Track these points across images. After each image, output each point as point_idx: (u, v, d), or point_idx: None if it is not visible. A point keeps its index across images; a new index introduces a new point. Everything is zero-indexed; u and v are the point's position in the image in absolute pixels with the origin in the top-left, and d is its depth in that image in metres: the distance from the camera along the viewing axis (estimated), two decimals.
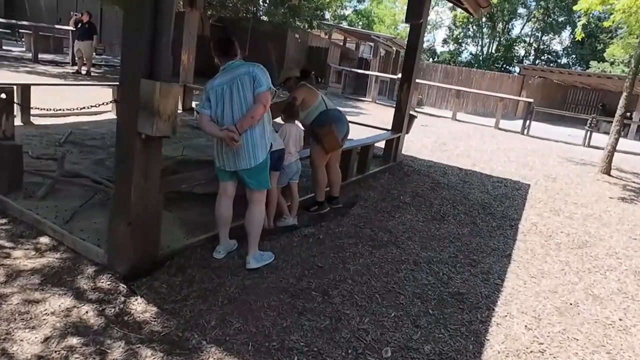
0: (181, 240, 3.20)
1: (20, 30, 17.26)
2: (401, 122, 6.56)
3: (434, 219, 4.53)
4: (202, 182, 3.17)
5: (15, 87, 6.20)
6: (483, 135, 11.54)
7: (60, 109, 5.38)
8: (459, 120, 13.98)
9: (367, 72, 17.44)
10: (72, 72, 11.83)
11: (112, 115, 7.19)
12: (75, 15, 13.05)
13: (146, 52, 2.42)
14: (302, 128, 3.81)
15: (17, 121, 6.00)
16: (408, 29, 6.95)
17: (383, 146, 6.60)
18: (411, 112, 6.70)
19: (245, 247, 3.08)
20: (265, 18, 15.24)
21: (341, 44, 21.01)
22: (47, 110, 5.41)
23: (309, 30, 17.22)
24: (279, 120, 3.88)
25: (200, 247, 3.18)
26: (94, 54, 18.29)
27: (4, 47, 14.64)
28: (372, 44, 19.53)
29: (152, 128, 2.41)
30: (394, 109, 6.78)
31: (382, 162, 6.48)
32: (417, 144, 8.68)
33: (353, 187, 5.22)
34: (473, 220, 4.66)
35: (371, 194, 5.08)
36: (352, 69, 18.11)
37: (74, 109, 5.20)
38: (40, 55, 14.06)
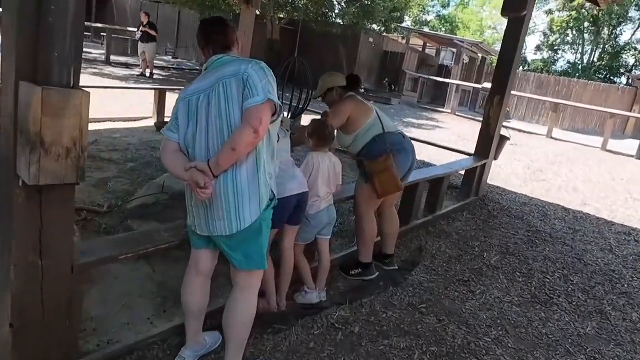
0: (142, 326, 2.11)
1: (102, 34, 17.87)
2: (489, 145, 5.05)
3: (535, 299, 3.05)
4: (167, 246, 2.03)
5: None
6: (588, 158, 9.45)
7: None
8: (556, 139, 11.83)
9: (447, 81, 15.71)
10: (137, 75, 11.61)
11: (151, 122, 6.46)
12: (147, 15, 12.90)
13: (28, 35, 1.34)
14: (337, 161, 2.58)
15: None
16: (495, 34, 5.37)
17: (462, 172, 5.14)
18: (502, 133, 5.17)
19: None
20: (337, 20, 14.19)
21: (420, 49, 19.39)
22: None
23: (385, 34, 15.89)
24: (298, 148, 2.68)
25: (164, 343, 2.06)
26: (172, 58, 18.61)
27: (84, 50, 15.02)
28: (454, 49, 17.72)
29: (28, 170, 1.33)
30: (475, 122, 5.37)
31: (460, 195, 5.02)
32: (506, 170, 7.02)
33: (417, 234, 3.87)
34: (599, 305, 3.10)
35: (442, 247, 3.69)
36: (431, 77, 16.46)
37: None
38: (114, 58, 14.20)
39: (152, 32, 11.38)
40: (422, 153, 7.04)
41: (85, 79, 9.50)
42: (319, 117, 2.95)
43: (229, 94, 1.67)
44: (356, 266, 2.99)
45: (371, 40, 15.90)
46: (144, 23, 11.34)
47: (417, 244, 3.70)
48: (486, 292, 3.02)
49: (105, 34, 14.09)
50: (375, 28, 14.91)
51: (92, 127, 5.93)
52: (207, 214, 1.73)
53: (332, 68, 14.97)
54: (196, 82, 1.78)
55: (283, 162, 2.24)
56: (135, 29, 12.11)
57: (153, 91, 6.82)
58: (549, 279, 3.37)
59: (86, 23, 16.78)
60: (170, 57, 18.49)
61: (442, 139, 9.03)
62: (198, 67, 15.98)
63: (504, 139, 5.21)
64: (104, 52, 14.19)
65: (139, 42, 11.38)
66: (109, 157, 4.71)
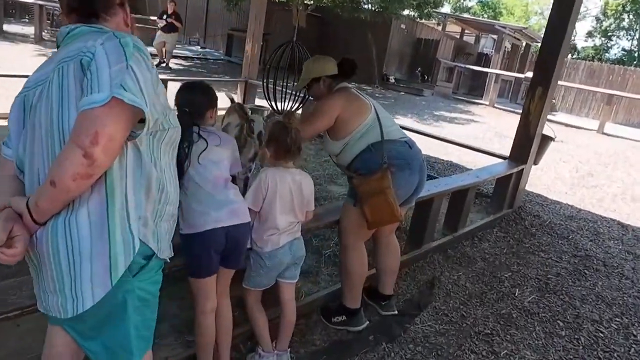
0: None
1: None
2: (527, 147, 4.18)
3: None
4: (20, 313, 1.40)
5: None
6: None
7: None
8: (609, 134, 10.55)
9: (485, 70, 14.51)
10: (156, 64, 11.19)
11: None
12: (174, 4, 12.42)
13: None
14: (307, 180, 1.88)
15: None
16: (542, 20, 4.43)
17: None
18: (545, 132, 4.27)
19: None
20: (366, 6, 13.28)
21: (457, 36, 18.13)
22: None
23: (418, 19, 14.82)
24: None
25: None
26: (199, 47, 18.24)
27: None
28: (495, 36, 16.40)
29: None
30: (516, 115, 4.48)
31: (491, 207, 4.20)
32: (549, 174, 6.06)
33: (431, 260, 3.12)
34: None
35: (461, 279, 2.92)
36: (468, 66, 15.28)
37: None
38: None
39: (177, 24, 10.92)
40: (449, 152, 6.19)
41: None
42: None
43: (64, 87, 1.01)
44: (340, 311, 2.29)
45: (403, 26, 14.89)
46: (169, 13, 10.85)
47: (429, 274, 2.95)
48: (515, 354, 2.25)
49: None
50: (408, 13, 13.88)
51: None
52: (38, 281, 1.09)
53: (360, 57, 14.13)
54: (38, 68, 1.13)
55: (210, 179, 1.60)
56: (157, 18, 11.68)
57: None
58: (602, 332, 2.54)
59: None
60: (199, 47, 18.17)
61: (476, 135, 8.09)
62: (223, 58, 15.54)
63: (547, 140, 4.31)
64: None
65: (159, 32, 10.88)
66: None
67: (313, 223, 2.11)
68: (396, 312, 2.44)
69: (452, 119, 9.90)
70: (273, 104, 4.39)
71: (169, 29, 10.82)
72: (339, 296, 2.34)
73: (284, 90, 4.36)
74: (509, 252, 3.45)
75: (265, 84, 4.38)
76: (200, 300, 1.66)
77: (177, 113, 1.59)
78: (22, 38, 11.93)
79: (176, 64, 12.40)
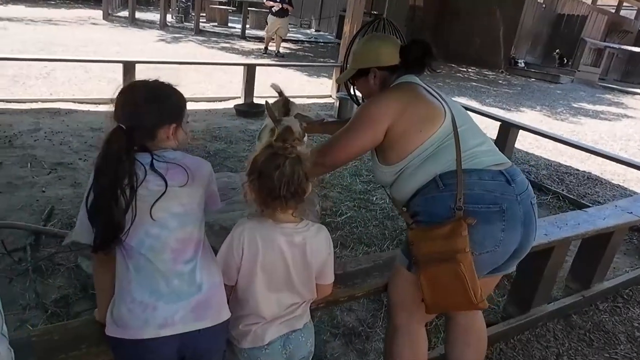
0: None
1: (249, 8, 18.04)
2: None
3: None
4: None
5: (123, 64, 5.24)
6: None
7: None
8: None
9: None
10: (263, 52, 10.83)
11: (235, 104, 5.59)
12: None
13: None
14: (318, 239, 1.15)
15: None
16: None
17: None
18: None
19: None
20: None
21: (612, 10, 15.06)
22: None
23: None
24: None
25: None
26: (312, 30, 17.99)
27: (229, 25, 15.27)
28: None
29: None
30: None
31: None
32: None
33: (544, 330, 2.14)
34: None
35: None
36: (623, 46, 12.54)
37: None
38: (252, 32, 14.13)
39: (290, 7, 10.56)
40: (587, 159, 4.79)
41: (192, 52, 9.28)
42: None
43: None
44: None
45: (540, 0, 12.69)
46: None
47: (538, 355, 2.00)
48: None
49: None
50: None
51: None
52: None
53: (485, 37, 12.41)
54: None
55: (169, 248, 1.02)
56: (271, 1, 11.43)
57: (242, 67, 5.95)
58: None
59: None
60: (312, 30, 17.94)
61: (629, 136, 6.35)
62: (334, 41, 15.03)
63: None
64: (247, 26, 14.16)
65: (272, 17, 10.30)
66: None
67: (336, 295, 1.38)
68: None
69: (597, 113, 8.03)
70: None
71: (282, 13, 10.37)
72: None
73: None
74: None
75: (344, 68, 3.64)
76: None
77: (109, 131, 0.99)
78: (150, 24, 12.77)
79: (284, 47, 12.20)
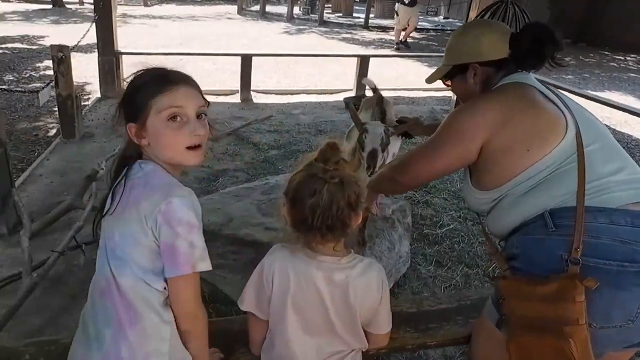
0: None
1: None
2: None
3: None
4: None
5: (241, 57, 5.43)
6: None
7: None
8: None
9: None
10: (396, 47, 10.17)
11: (341, 98, 5.47)
12: None
13: None
14: (366, 278, 0.92)
15: (237, 98, 5.23)
16: None
17: None
18: None
19: None
20: None
21: None
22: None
23: None
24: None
25: None
26: (441, 17, 17.02)
27: (354, 15, 15.24)
28: None
29: None
30: None
31: None
32: None
33: None
34: None
35: None
36: None
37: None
38: (375, 21, 13.91)
39: None
40: None
41: (312, 44, 9.29)
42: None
43: None
44: None
45: None
46: None
47: None
48: None
49: None
50: None
51: (287, 99, 5.42)
52: None
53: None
54: None
55: (99, 285, 0.88)
56: None
57: (355, 59, 5.77)
58: None
59: None
60: (440, 17, 16.99)
61: None
62: None
63: None
64: (372, 15, 13.94)
65: (400, 6, 9.42)
66: (258, 140, 4.01)
67: (403, 341, 1.13)
68: None
69: None
70: None
71: (413, 2, 9.68)
72: None
73: None
74: None
75: None
76: None
77: None
78: (278, 17, 13.34)
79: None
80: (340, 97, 5.56)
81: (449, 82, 1.28)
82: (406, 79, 6.84)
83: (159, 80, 0.85)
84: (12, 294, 1.86)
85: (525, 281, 0.96)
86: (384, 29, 13.26)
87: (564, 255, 0.92)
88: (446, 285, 2.23)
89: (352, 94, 5.51)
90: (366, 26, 13.15)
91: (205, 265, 0.82)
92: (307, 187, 0.85)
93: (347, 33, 11.83)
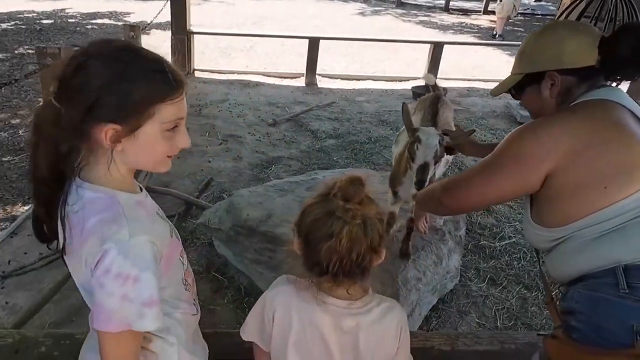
0: None
1: None
2: None
3: None
4: None
5: (308, 40, 5.33)
6: None
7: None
8: None
9: None
10: (496, 35, 9.33)
11: (415, 84, 5.20)
12: None
13: None
14: (382, 326, 0.78)
15: (301, 82, 5.17)
16: None
17: None
18: None
19: None
20: None
21: None
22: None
23: None
24: None
25: None
26: (531, 1, 15.66)
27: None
28: None
29: None
30: None
31: None
32: None
33: None
34: None
35: None
36: None
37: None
38: (457, 4, 13.16)
39: None
40: None
41: (387, 26, 8.92)
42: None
43: None
44: None
45: None
46: None
47: None
48: None
49: None
50: None
51: (346, 85, 5.28)
52: None
53: None
54: None
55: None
56: None
57: (428, 45, 5.45)
58: None
59: None
60: (531, 1, 15.70)
61: None
62: (555, 13, 12.82)
63: None
64: None
65: None
66: (317, 127, 3.93)
67: None
68: None
69: None
70: None
71: None
72: None
73: None
74: None
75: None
76: None
77: None
78: None
79: (489, 21, 10.98)
80: (408, 85, 5.30)
81: (518, 96, 1.08)
82: (483, 69, 6.37)
83: (165, 81, 0.65)
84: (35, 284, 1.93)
85: (583, 349, 0.79)
86: (466, 12, 12.50)
87: (635, 326, 0.74)
88: (498, 307, 2.02)
89: (422, 82, 5.22)
90: (446, 9, 12.49)
91: (148, 324, 0.65)
92: (323, 227, 0.72)
93: (424, 16, 11.31)
